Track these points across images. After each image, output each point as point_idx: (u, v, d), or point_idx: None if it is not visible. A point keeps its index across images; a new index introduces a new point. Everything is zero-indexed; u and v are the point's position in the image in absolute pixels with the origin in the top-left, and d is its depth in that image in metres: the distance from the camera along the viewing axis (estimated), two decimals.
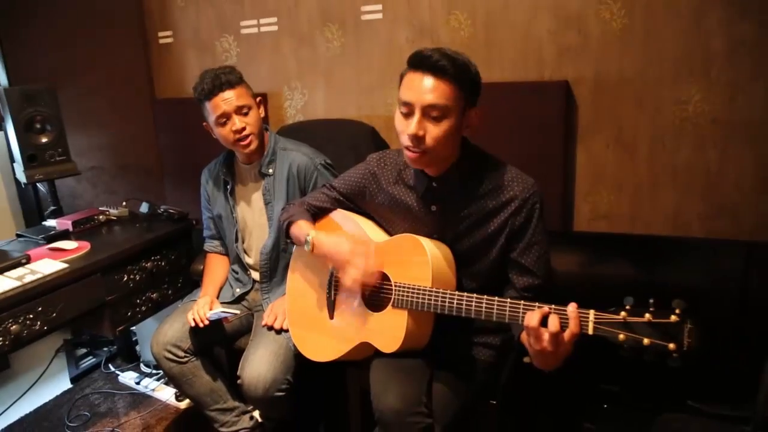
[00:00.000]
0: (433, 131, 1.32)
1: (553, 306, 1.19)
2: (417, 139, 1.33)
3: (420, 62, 1.31)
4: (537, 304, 1.22)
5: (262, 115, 1.95)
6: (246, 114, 1.87)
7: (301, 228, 1.66)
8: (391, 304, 1.46)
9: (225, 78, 1.84)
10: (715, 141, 1.87)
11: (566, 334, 1.16)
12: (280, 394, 1.72)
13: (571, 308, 1.16)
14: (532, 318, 1.18)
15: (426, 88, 1.30)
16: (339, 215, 1.71)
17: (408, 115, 1.34)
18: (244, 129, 1.86)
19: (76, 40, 2.72)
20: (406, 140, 1.35)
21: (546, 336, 1.16)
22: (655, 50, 1.88)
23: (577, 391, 2.07)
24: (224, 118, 1.86)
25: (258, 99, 1.94)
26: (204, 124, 1.94)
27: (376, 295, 1.54)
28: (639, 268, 2.03)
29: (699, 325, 1.06)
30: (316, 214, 1.75)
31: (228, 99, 1.84)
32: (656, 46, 1.87)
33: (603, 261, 2.12)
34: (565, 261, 2.07)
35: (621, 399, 2.02)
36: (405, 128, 1.34)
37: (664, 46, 1.86)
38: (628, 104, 1.95)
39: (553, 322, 1.15)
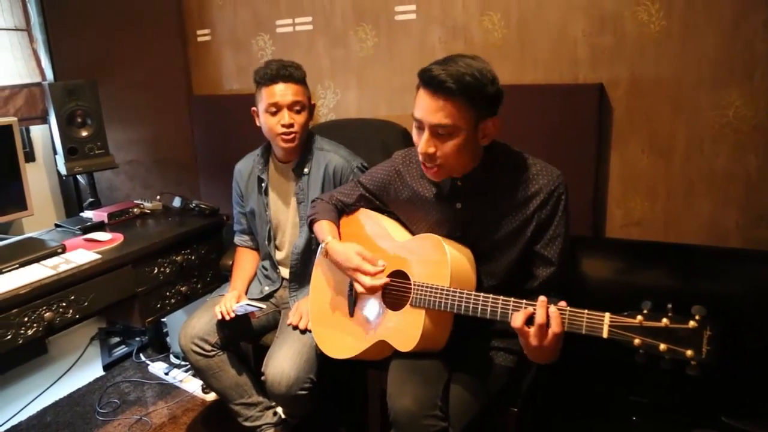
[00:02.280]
0: (443, 148, 1.34)
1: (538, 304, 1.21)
2: (428, 156, 1.36)
3: (428, 80, 1.30)
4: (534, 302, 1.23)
5: (312, 119, 1.96)
6: (298, 112, 1.88)
7: (322, 230, 1.69)
8: (409, 303, 1.46)
9: (290, 71, 1.86)
10: (756, 148, 1.80)
11: (549, 335, 1.19)
12: (303, 392, 1.74)
13: (552, 309, 1.19)
14: (516, 319, 1.22)
15: (432, 107, 1.30)
16: (363, 215, 1.72)
17: (420, 129, 1.36)
18: (292, 125, 1.86)
19: (117, 36, 2.80)
20: (419, 156, 1.39)
21: (532, 339, 1.20)
22: (694, 53, 1.82)
23: (604, 402, 2.02)
24: (275, 108, 1.86)
25: (313, 103, 1.96)
26: (252, 109, 1.96)
27: (396, 295, 1.54)
28: (673, 277, 1.96)
29: (719, 332, 1.02)
30: (343, 210, 1.76)
31: (287, 92, 1.85)
32: (695, 48, 1.81)
33: (635, 269, 2.06)
34: (596, 267, 2.02)
35: (650, 412, 1.97)
36: (417, 143, 1.38)
37: (704, 49, 1.80)
38: (664, 108, 1.89)
39: (538, 324, 1.19)
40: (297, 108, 1.88)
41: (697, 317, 1.04)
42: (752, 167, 1.82)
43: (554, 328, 1.18)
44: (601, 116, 1.95)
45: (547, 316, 1.19)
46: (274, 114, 1.87)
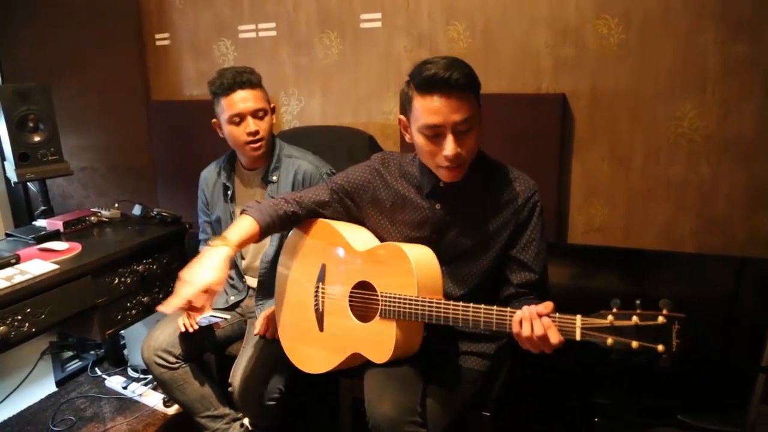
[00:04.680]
0: (467, 144, 1.34)
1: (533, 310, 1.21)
2: (457, 157, 1.33)
3: (436, 85, 1.29)
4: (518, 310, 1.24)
5: (274, 122, 1.94)
6: (261, 118, 1.86)
7: (234, 225, 1.54)
8: (378, 314, 1.44)
9: (246, 77, 1.83)
10: (708, 157, 1.89)
11: (551, 337, 1.18)
12: (272, 402, 1.72)
13: (546, 321, 1.18)
14: (514, 325, 1.22)
15: (451, 107, 1.29)
16: (321, 226, 1.64)
17: (435, 137, 1.34)
18: (257, 132, 1.84)
19: (72, 38, 2.70)
20: (443, 161, 1.35)
21: (534, 349, 1.21)
22: (651, 66, 1.90)
23: (569, 404, 2.08)
24: (238, 118, 1.83)
25: (272, 106, 1.93)
26: (213, 121, 1.92)
27: (364, 306, 1.51)
28: (631, 281, 2.05)
29: (686, 325, 1.07)
30: (295, 217, 1.61)
31: (247, 99, 1.82)
32: (652, 61, 1.89)
33: (595, 274, 2.14)
34: (557, 273, 2.08)
35: (612, 413, 2.03)
36: (438, 149, 1.35)
37: (660, 63, 1.89)
38: (623, 118, 1.97)
39: (538, 328, 1.18)
40: (260, 114, 1.86)
41: (664, 312, 1.08)
42: (705, 175, 1.91)
43: (552, 340, 1.17)
44: (563, 125, 2.01)
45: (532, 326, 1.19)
46: (238, 124, 1.84)
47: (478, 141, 1.38)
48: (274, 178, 1.94)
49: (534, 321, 1.18)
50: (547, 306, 1.20)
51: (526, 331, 1.19)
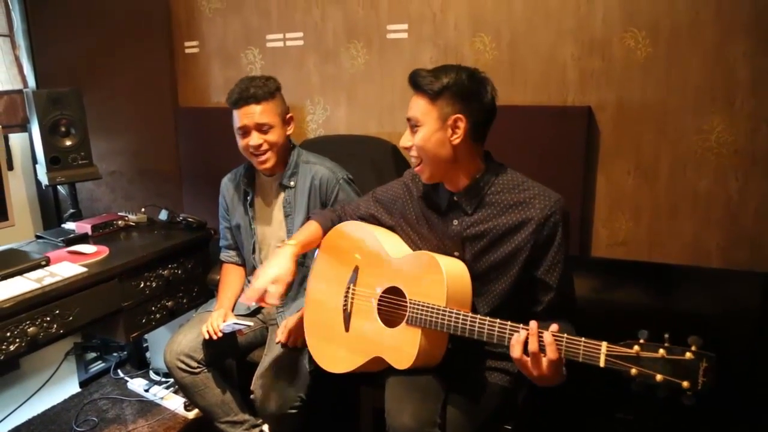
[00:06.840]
0: (415, 140, 1.45)
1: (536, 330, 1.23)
2: (405, 149, 1.49)
3: (410, 81, 1.45)
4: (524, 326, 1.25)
5: (290, 132, 1.96)
6: (266, 132, 1.88)
7: (302, 227, 1.79)
8: (405, 320, 1.45)
9: (253, 91, 1.84)
10: (736, 171, 1.87)
11: (545, 363, 1.20)
12: (293, 411, 1.72)
13: (546, 336, 1.20)
14: (514, 351, 1.24)
15: (411, 103, 1.45)
16: (358, 229, 1.70)
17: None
18: (260, 146, 1.87)
19: (102, 45, 2.76)
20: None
21: (531, 369, 1.23)
22: (679, 79, 1.89)
23: (592, 419, 2.05)
24: (242, 131, 1.88)
25: (288, 116, 1.95)
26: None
27: (391, 311, 1.53)
28: (655, 296, 2.02)
29: (715, 364, 1.04)
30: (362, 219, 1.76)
31: (250, 114, 1.85)
32: (680, 75, 1.88)
33: (619, 287, 2.11)
34: (580, 286, 2.04)
35: (635, 429, 2.00)
36: None
37: (688, 76, 1.87)
38: (649, 132, 1.96)
39: (532, 353, 1.21)
40: (264, 128, 1.87)
41: (693, 348, 1.05)
42: (733, 190, 1.89)
43: (550, 355, 1.18)
44: (588, 138, 2.00)
45: (542, 343, 1.20)
46: (243, 136, 1.88)
47: (426, 142, 1.42)
48: (292, 183, 1.97)
49: (531, 337, 1.21)
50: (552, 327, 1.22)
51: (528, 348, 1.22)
